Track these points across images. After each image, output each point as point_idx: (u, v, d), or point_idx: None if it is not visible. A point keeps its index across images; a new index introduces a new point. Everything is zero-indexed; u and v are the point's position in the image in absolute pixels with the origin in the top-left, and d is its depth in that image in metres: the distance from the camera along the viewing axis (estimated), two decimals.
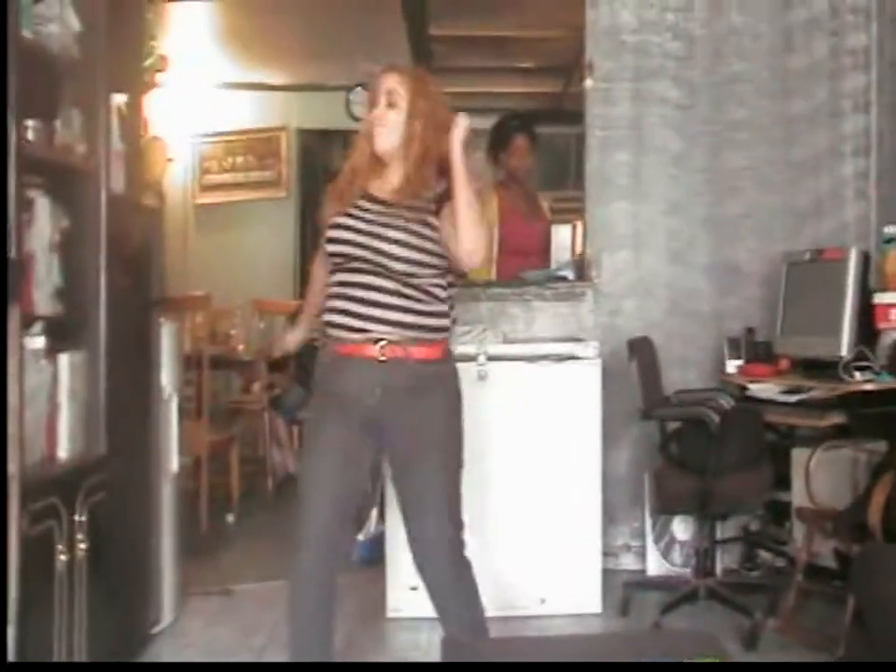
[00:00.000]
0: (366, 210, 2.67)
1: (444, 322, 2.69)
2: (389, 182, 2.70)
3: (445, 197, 2.63)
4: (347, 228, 2.66)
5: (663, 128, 4.53)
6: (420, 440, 2.66)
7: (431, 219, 2.65)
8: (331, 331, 2.67)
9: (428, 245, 2.64)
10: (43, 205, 2.75)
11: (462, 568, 2.69)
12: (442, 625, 2.74)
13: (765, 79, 4.54)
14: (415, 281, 2.62)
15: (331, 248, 2.69)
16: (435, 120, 2.63)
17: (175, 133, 6.59)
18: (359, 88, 7.34)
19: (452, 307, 2.73)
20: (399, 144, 2.66)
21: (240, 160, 7.74)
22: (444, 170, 2.62)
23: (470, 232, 2.55)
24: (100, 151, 3.00)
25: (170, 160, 6.13)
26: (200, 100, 7.30)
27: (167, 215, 3.91)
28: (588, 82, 4.55)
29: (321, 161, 8.58)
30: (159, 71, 4.07)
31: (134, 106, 3.32)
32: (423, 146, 2.63)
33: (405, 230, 2.61)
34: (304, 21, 6.03)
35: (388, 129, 2.65)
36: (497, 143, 4.90)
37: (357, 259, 2.62)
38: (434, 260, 2.65)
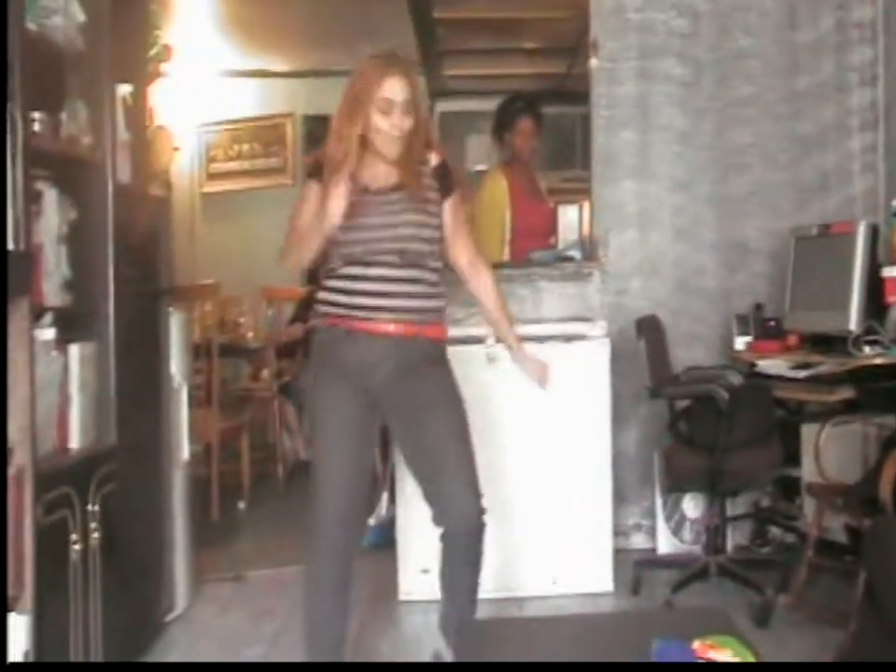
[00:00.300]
0: (372, 202, 2.68)
1: (445, 301, 2.79)
2: (382, 169, 2.71)
3: (448, 185, 2.75)
4: (361, 228, 2.66)
5: (668, 106, 4.51)
6: (431, 402, 2.70)
7: (434, 197, 2.73)
8: (338, 311, 2.68)
9: (435, 221, 2.74)
10: (51, 197, 2.76)
11: (482, 530, 2.69)
12: (442, 588, 2.76)
13: (771, 55, 4.52)
14: (427, 261, 2.70)
15: (350, 250, 2.67)
16: (423, 110, 2.77)
17: (180, 122, 6.60)
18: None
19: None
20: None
21: (246, 147, 7.74)
22: (429, 143, 2.76)
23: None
24: (106, 142, 3.01)
25: (176, 149, 6.14)
26: (204, 88, 7.30)
27: (174, 204, 3.91)
28: (593, 62, 4.54)
29: None
30: (163, 61, 4.06)
31: (140, 96, 3.33)
32: (423, 142, 2.73)
33: (417, 210, 2.68)
34: (307, 6, 6.01)
35: (404, 137, 2.67)
36: (502, 124, 4.90)
37: (374, 252, 2.65)
38: (439, 234, 2.76)
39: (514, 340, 2.91)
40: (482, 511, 2.67)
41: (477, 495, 2.67)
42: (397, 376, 2.67)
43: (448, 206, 2.76)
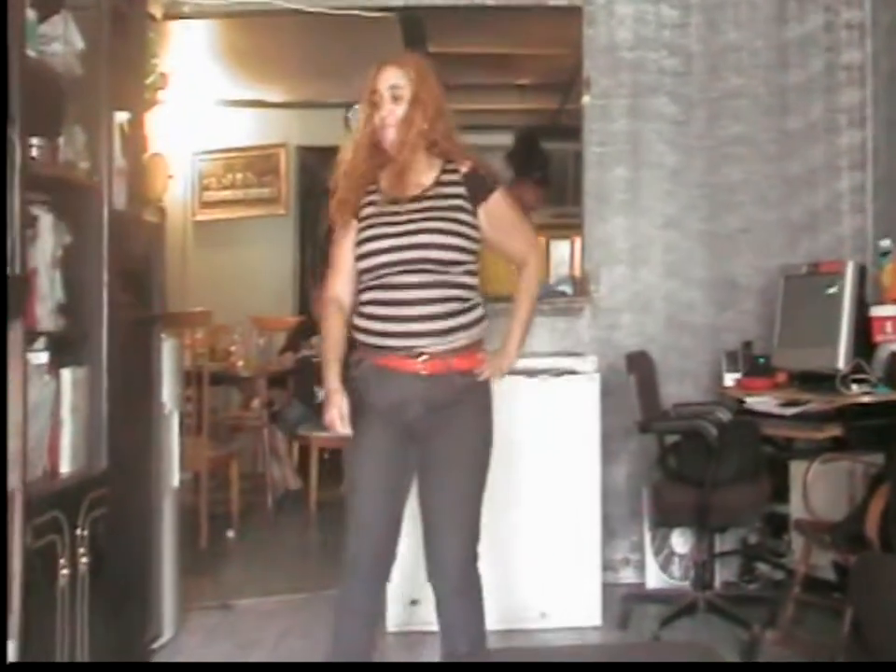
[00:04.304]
0: (392, 213, 2.62)
1: (480, 316, 2.66)
2: (396, 171, 2.63)
3: (482, 193, 2.64)
4: (381, 237, 2.60)
5: (660, 143, 4.57)
6: (445, 456, 2.65)
7: (464, 205, 2.63)
8: (369, 341, 2.62)
9: (465, 230, 2.61)
10: (46, 221, 2.78)
11: (473, 584, 2.71)
12: (442, 637, 2.74)
13: (762, 95, 4.58)
14: (453, 274, 2.58)
15: (369, 263, 2.60)
16: (434, 107, 2.63)
17: (175, 150, 6.62)
18: (357, 106, 7.40)
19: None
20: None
21: (239, 176, 7.75)
22: (443, 152, 2.66)
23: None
24: (102, 168, 3.04)
25: (170, 176, 6.15)
26: (200, 117, 7.34)
27: (167, 231, 3.92)
28: (586, 98, 4.60)
29: (320, 179, 8.61)
30: (160, 89, 4.09)
31: (136, 124, 3.35)
32: (420, 134, 2.61)
33: (440, 218, 2.59)
34: (303, 38, 6.05)
35: (397, 126, 2.60)
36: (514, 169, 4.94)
37: (396, 264, 2.57)
38: (472, 245, 2.63)
39: (512, 338, 2.77)
40: (466, 576, 2.67)
41: (463, 559, 2.66)
42: (424, 416, 2.61)
43: (484, 214, 2.63)
